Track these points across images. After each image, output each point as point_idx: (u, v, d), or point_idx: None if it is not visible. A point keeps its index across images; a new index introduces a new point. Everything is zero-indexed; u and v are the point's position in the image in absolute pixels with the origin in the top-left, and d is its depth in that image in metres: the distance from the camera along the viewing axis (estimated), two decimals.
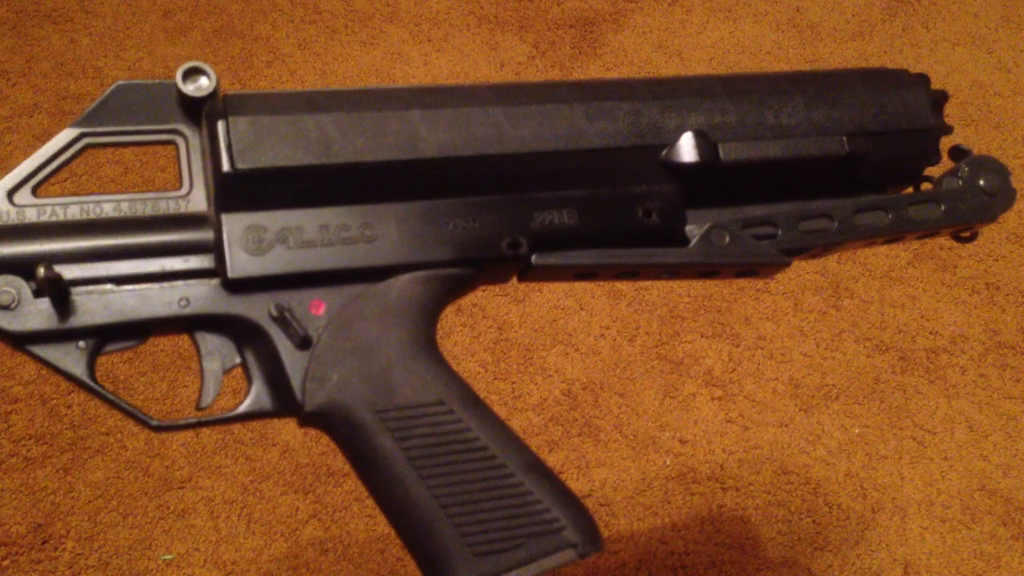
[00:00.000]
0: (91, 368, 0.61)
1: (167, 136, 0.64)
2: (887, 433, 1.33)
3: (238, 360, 0.65)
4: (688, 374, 1.37)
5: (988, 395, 1.38)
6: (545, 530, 0.63)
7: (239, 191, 0.61)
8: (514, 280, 0.70)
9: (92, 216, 0.62)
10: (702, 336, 1.41)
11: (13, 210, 0.61)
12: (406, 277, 0.64)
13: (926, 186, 0.77)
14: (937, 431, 1.34)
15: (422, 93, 0.66)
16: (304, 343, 0.62)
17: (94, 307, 0.60)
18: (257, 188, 0.61)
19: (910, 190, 0.78)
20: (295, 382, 0.63)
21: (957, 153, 0.77)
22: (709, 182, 0.70)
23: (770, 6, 1.86)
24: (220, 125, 0.61)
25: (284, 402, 0.63)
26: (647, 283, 1.46)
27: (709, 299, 1.44)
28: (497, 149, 0.66)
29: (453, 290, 0.66)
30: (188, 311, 0.62)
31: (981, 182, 0.75)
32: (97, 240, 0.61)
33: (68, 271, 0.60)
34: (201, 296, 0.62)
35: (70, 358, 0.61)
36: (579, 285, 1.43)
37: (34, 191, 0.62)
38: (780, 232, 0.71)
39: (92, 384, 0.61)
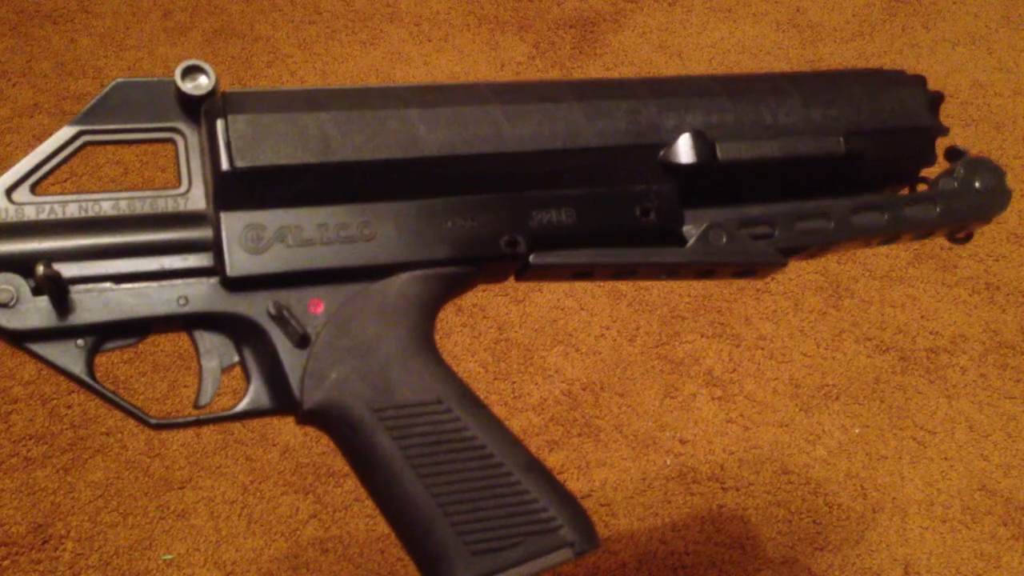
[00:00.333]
0: (90, 366, 0.61)
1: (166, 134, 0.64)
2: (887, 433, 1.33)
3: (237, 358, 0.65)
4: (688, 374, 1.37)
5: (988, 395, 1.38)
6: (542, 529, 0.63)
7: (238, 189, 0.61)
8: (514, 280, 0.70)
9: (91, 214, 0.62)
10: (702, 336, 1.41)
11: (12, 208, 0.61)
12: (405, 276, 0.64)
13: (922, 187, 0.77)
14: (937, 431, 1.34)
15: (421, 92, 0.66)
16: (303, 341, 0.62)
17: (93, 305, 0.60)
18: (256, 186, 0.61)
19: (906, 191, 0.78)
20: (293, 380, 0.63)
21: (953, 154, 0.77)
22: (707, 182, 0.70)
23: (770, 6, 1.86)
24: (219, 123, 0.61)
25: (282, 400, 0.63)
26: (647, 283, 1.46)
27: (709, 299, 1.44)
28: (496, 148, 0.66)
29: (451, 289, 0.66)
30: (187, 309, 0.62)
31: (977, 183, 0.75)
32: (96, 238, 0.61)
33: (67, 269, 0.60)
34: (200, 294, 0.62)
35: (69, 356, 0.61)
36: (579, 285, 1.43)
37: (33, 189, 0.62)
38: (777, 232, 0.71)
39: (91, 382, 0.61)
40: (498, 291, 1.41)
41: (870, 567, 1.22)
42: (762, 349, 1.40)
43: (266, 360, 0.63)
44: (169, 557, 1.17)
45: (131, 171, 1.49)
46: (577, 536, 0.64)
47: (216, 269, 0.62)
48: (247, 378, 0.64)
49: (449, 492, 0.62)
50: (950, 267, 1.51)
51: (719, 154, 0.69)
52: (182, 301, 0.62)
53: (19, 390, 1.27)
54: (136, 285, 0.61)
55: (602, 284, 1.43)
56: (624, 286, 1.44)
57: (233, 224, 0.61)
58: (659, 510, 1.25)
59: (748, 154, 0.70)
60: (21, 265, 0.59)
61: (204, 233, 0.62)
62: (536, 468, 0.65)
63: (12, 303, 0.59)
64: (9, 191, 0.61)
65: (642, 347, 1.39)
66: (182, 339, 0.66)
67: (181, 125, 0.64)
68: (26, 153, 0.62)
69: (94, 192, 0.62)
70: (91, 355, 0.61)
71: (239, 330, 0.64)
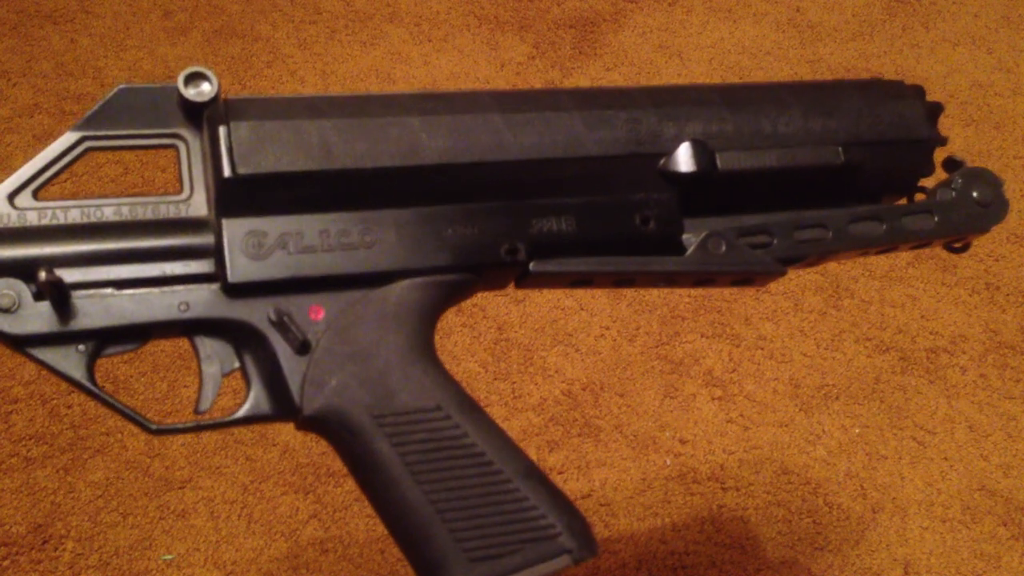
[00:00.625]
0: (90, 371, 0.62)
1: (168, 140, 0.64)
2: (887, 433, 1.33)
3: (237, 364, 0.65)
4: (688, 374, 1.37)
5: (988, 395, 1.38)
6: (540, 536, 0.64)
7: (240, 196, 0.61)
8: (513, 287, 0.70)
9: (93, 220, 0.62)
10: (702, 336, 1.41)
11: (14, 213, 0.61)
12: (405, 283, 0.65)
13: (920, 196, 0.77)
14: (937, 431, 1.34)
15: (422, 99, 0.66)
16: (303, 348, 0.63)
17: (94, 311, 0.61)
18: (258, 193, 0.62)
19: (904, 200, 0.78)
20: (293, 386, 0.63)
21: (951, 164, 0.77)
22: (706, 191, 0.70)
23: (770, 6, 1.86)
24: (221, 130, 0.61)
25: (282, 406, 0.64)
26: None
27: (709, 299, 1.44)
28: (496, 156, 0.66)
29: (451, 296, 0.66)
30: (188, 315, 0.62)
31: (974, 193, 0.76)
32: (97, 244, 0.61)
33: (68, 274, 0.60)
34: (201, 300, 0.62)
35: (69, 361, 0.61)
36: None
37: (35, 194, 0.62)
38: (775, 241, 0.72)
39: (91, 387, 0.61)
40: (498, 291, 1.41)
41: (870, 567, 1.22)
42: (762, 349, 1.40)
43: (266, 366, 0.63)
44: (169, 557, 1.17)
45: (131, 171, 1.49)
46: (575, 543, 0.64)
47: (217, 275, 0.62)
48: (247, 384, 0.64)
49: (448, 499, 0.63)
50: (950, 267, 1.51)
51: (719, 163, 0.70)
52: (183, 307, 0.62)
53: (19, 390, 1.27)
54: (137, 291, 0.61)
55: None
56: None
57: (235, 230, 0.62)
58: (659, 510, 1.25)
59: (748, 164, 0.70)
60: (23, 270, 0.60)
61: (206, 239, 0.62)
62: (535, 475, 0.65)
63: (14, 308, 0.59)
64: (11, 196, 0.61)
65: (642, 347, 1.39)
66: (183, 341, 0.66)
67: (183, 131, 0.64)
68: (26, 153, 0.62)
69: (96, 197, 0.63)
70: (92, 360, 0.62)
71: (240, 336, 0.64)
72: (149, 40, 1.67)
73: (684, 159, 0.69)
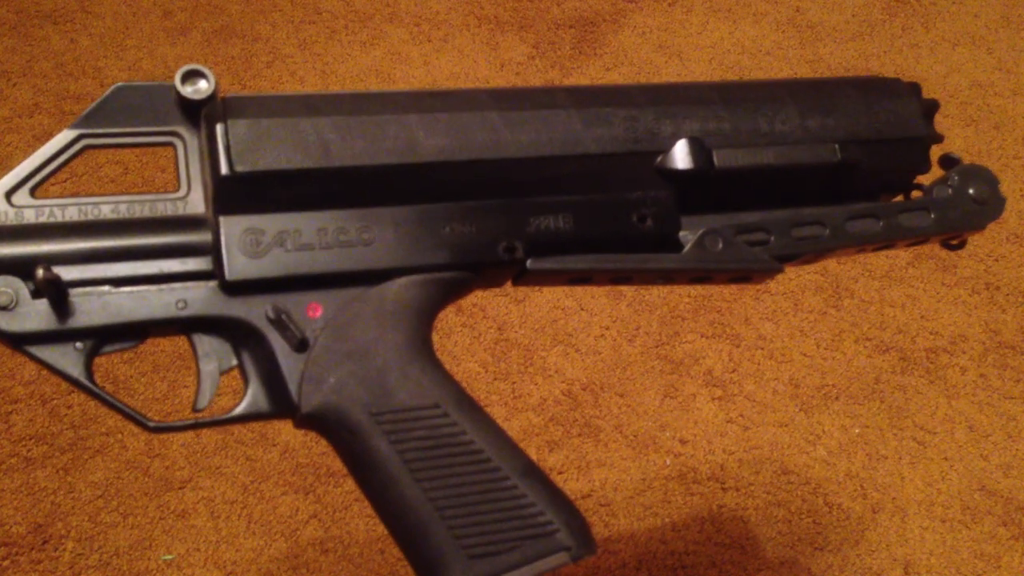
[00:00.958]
0: (88, 369, 0.62)
1: (165, 138, 0.64)
2: (887, 433, 1.33)
3: (235, 362, 0.65)
4: (688, 374, 1.37)
5: (988, 395, 1.38)
6: (539, 533, 0.64)
7: (237, 194, 0.61)
8: (511, 285, 0.70)
9: (90, 218, 0.62)
10: (702, 336, 1.41)
11: (11, 211, 0.61)
12: (402, 280, 0.65)
13: (916, 194, 0.77)
14: (937, 431, 1.34)
15: (420, 97, 0.66)
16: (301, 345, 0.63)
17: (92, 308, 0.61)
18: (255, 191, 0.61)
19: (901, 198, 0.78)
20: (291, 384, 0.63)
21: (947, 162, 0.77)
22: (703, 188, 0.71)
23: (770, 6, 1.86)
24: (219, 128, 0.61)
25: (280, 404, 0.64)
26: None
27: (709, 299, 1.44)
28: (494, 154, 0.66)
29: (449, 294, 0.66)
30: (185, 313, 0.62)
31: (971, 191, 0.76)
32: (95, 242, 0.61)
33: (66, 272, 0.60)
34: (199, 298, 0.62)
35: (68, 359, 0.61)
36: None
37: (32, 192, 0.62)
38: (773, 238, 0.72)
39: (89, 385, 0.61)
40: (498, 291, 1.42)
41: (870, 567, 1.22)
42: (762, 349, 1.40)
43: (264, 364, 0.63)
44: (169, 557, 1.17)
45: (131, 171, 1.49)
46: (574, 540, 0.64)
47: (215, 273, 0.62)
48: (245, 382, 0.64)
49: (446, 496, 0.63)
50: (950, 267, 1.51)
51: (716, 161, 0.70)
52: (181, 305, 0.62)
53: (19, 390, 1.27)
54: (135, 288, 0.61)
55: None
56: (624, 286, 1.44)
57: (232, 228, 0.62)
58: (659, 510, 1.25)
59: (745, 161, 0.70)
60: (21, 268, 0.60)
61: (203, 237, 0.62)
62: (533, 472, 0.65)
63: (11, 306, 0.59)
64: (9, 194, 0.61)
65: (642, 347, 1.39)
66: (181, 340, 0.66)
67: (181, 129, 0.64)
68: (26, 153, 0.62)
69: (94, 195, 0.63)
70: (90, 358, 0.62)
71: (237, 334, 0.64)
72: (149, 40, 1.67)
73: (681, 157, 0.69)
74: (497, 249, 0.66)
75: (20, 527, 1.17)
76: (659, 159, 0.70)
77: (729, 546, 1.22)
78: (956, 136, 1.65)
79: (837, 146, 0.73)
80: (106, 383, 1.28)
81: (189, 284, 0.62)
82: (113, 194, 0.63)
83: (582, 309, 1.42)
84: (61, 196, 0.62)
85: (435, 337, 0.67)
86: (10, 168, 0.62)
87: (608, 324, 1.41)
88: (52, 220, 0.61)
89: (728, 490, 1.27)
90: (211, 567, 1.17)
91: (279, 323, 0.62)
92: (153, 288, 0.62)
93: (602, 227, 0.69)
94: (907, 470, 1.30)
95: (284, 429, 1.26)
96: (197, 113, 0.63)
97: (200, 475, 1.23)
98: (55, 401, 1.26)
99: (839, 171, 0.73)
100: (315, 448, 1.25)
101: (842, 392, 1.37)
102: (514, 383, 1.34)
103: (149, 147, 0.64)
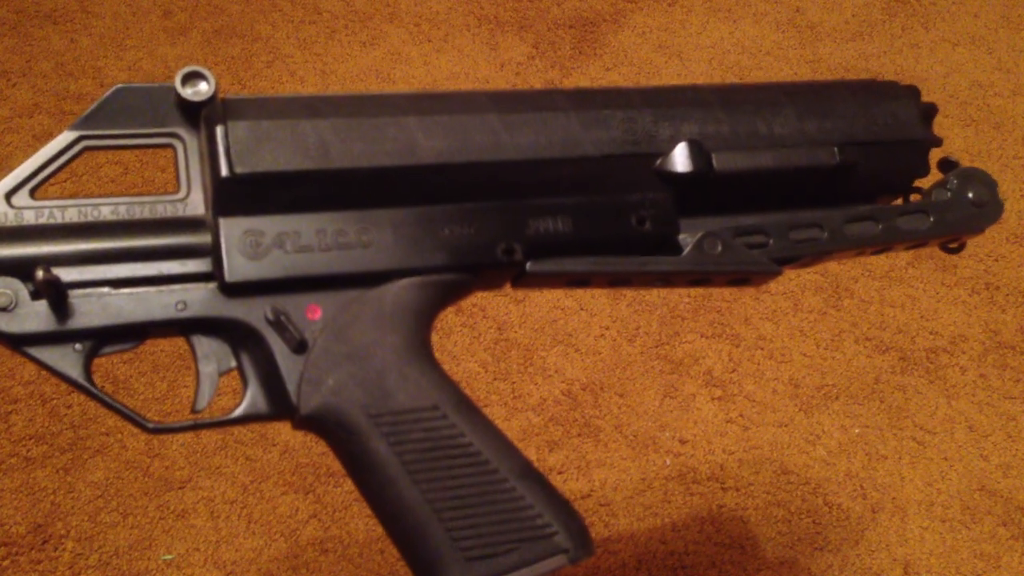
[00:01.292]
0: (87, 370, 0.62)
1: (165, 140, 0.64)
2: (887, 433, 1.33)
3: (234, 363, 0.65)
4: (688, 374, 1.37)
5: (988, 395, 1.38)
6: (537, 535, 0.64)
7: (237, 195, 0.61)
8: (510, 287, 0.70)
9: (90, 219, 0.62)
10: (702, 336, 1.41)
11: (11, 212, 0.61)
12: (401, 282, 0.65)
13: (915, 197, 0.77)
14: (937, 431, 1.34)
15: (419, 100, 0.66)
16: (300, 347, 0.63)
17: (91, 310, 0.61)
18: (255, 192, 0.62)
19: (899, 201, 0.78)
20: (290, 386, 0.63)
21: (946, 165, 0.78)
22: (702, 191, 0.71)
23: (770, 6, 1.86)
24: (219, 129, 0.61)
25: (279, 406, 0.64)
26: None
27: (709, 299, 1.44)
28: (493, 156, 0.66)
29: (448, 296, 0.66)
30: (185, 315, 0.62)
31: (969, 194, 0.76)
32: (95, 243, 0.61)
33: (66, 273, 0.60)
34: (198, 300, 0.62)
35: (67, 360, 0.61)
36: None
37: (32, 193, 0.62)
38: (771, 241, 0.72)
39: (88, 386, 0.62)
40: (497, 291, 1.41)
41: (870, 567, 1.22)
42: (762, 349, 1.40)
43: (263, 365, 0.64)
44: (169, 557, 1.17)
45: (131, 171, 1.49)
46: (572, 543, 0.64)
47: (214, 274, 0.62)
48: (244, 383, 0.64)
49: (444, 498, 0.63)
50: (950, 267, 1.51)
51: (715, 164, 0.70)
52: (180, 306, 0.62)
53: (19, 390, 1.27)
54: (135, 290, 0.61)
55: None
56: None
57: (232, 230, 0.62)
58: (659, 510, 1.25)
59: (743, 164, 0.70)
60: (20, 269, 0.60)
61: (203, 238, 0.62)
62: (531, 475, 0.65)
63: (11, 307, 0.60)
64: (9, 195, 0.61)
65: (642, 347, 1.39)
66: (181, 341, 0.66)
67: (181, 131, 0.64)
68: (26, 153, 0.62)
69: (93, 197, 0.63)
70: (89, 359, 0.62)
71: (237, 335, 0.64)
72: (149, 40, 1.67)
73: (680, 159, 0.70)
74: (496, 251, 0.66)
75: (20, 527, 1.17)
76: (658, 162, 0.70)
77: (729, 546, 1.22)
78: (956, 136, 1.65)
79: (836, 149, 0.73)
80: (106, 383, 1.28)
81: (189, 285, 0.62)
82: (113, 195, 0.63)
83: (582, 309, 1.42)
84: (61, 197, 0.62)
85: (435, 337, 0.68)
86: (10, 169, 0.62)
87: (608, 324, 1.41)
88: (52, 221, 0.62)
89: (728, 490, 1.27)
90: (211, 567, 1.17)
91: (278, 325, 0.62)
92: (152, 289, 0.62)
93: (601, 229, 0.69)
94: (907, 470, 1.30)
95: (284, 429, 1.26)
96: (197, 115, 0.63)
97: (200, 475, 1.23)
98: (55, 401, 1.26)
99: (837, 174, 0.73)
100: (315, 448, 1.25)
101: (842, 392, 1.37)
102: (514, 383, 1.34)
103: (149, 148, 0.64)
